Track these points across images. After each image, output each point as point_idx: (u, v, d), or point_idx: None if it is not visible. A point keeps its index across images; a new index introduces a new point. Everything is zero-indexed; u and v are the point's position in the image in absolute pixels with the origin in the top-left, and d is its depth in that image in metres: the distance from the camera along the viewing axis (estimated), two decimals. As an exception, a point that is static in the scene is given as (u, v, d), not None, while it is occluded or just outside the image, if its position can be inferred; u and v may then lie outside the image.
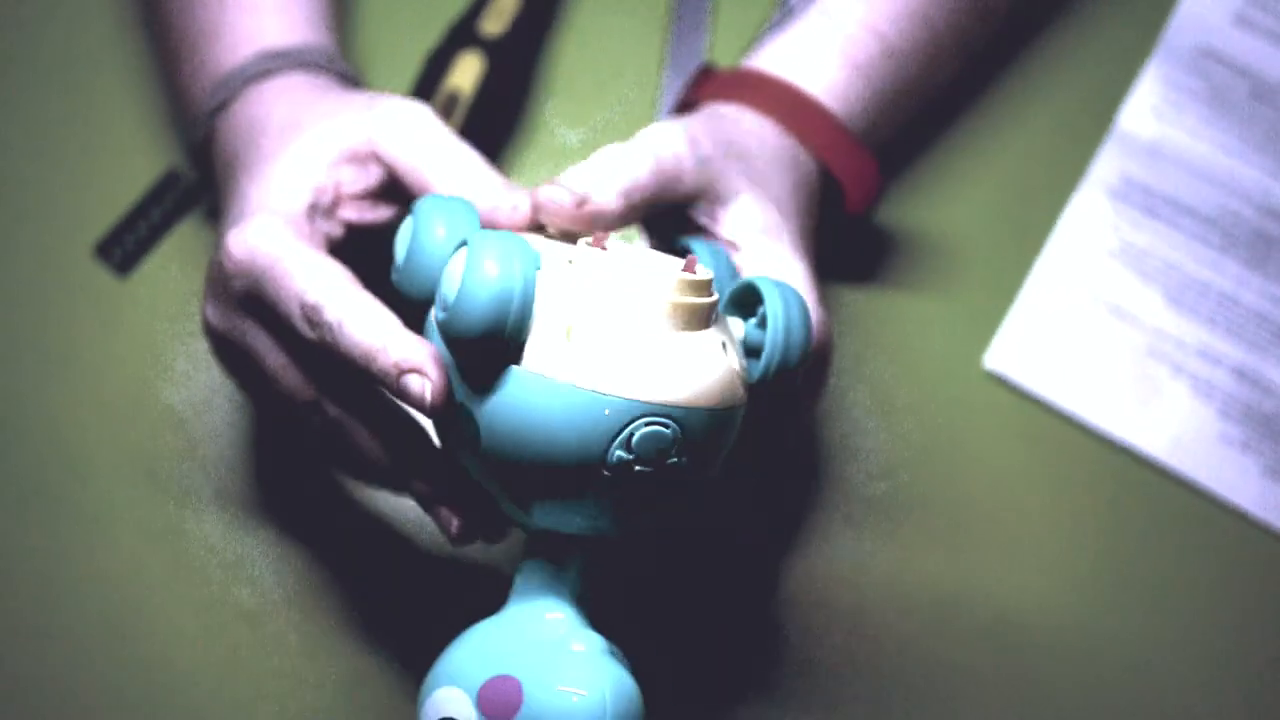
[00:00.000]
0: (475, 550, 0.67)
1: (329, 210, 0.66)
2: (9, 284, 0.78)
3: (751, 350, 0.61)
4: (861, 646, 0.74)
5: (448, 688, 0.58)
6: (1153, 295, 0.81)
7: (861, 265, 0.80)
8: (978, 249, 0.81)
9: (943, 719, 0.74)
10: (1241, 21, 0.84)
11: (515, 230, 0.63)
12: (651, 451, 0.57)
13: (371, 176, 0.66)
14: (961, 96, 0.83)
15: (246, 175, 0.67)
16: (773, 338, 0.60)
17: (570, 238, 0.63)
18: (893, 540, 0.76)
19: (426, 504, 0.64)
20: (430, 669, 0.60)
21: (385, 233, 0.67)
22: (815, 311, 0.66)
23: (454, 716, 0.58)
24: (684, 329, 0.58)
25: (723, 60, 0.82)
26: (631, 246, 0.61)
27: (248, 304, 0.64)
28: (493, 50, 0.79)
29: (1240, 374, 0.80)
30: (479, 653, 0.59)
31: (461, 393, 0.58)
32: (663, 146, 0.65)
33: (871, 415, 0.78)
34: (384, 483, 0.66)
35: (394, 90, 0.77)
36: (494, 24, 0.80)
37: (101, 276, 0.78)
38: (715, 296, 0.59)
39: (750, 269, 0.66)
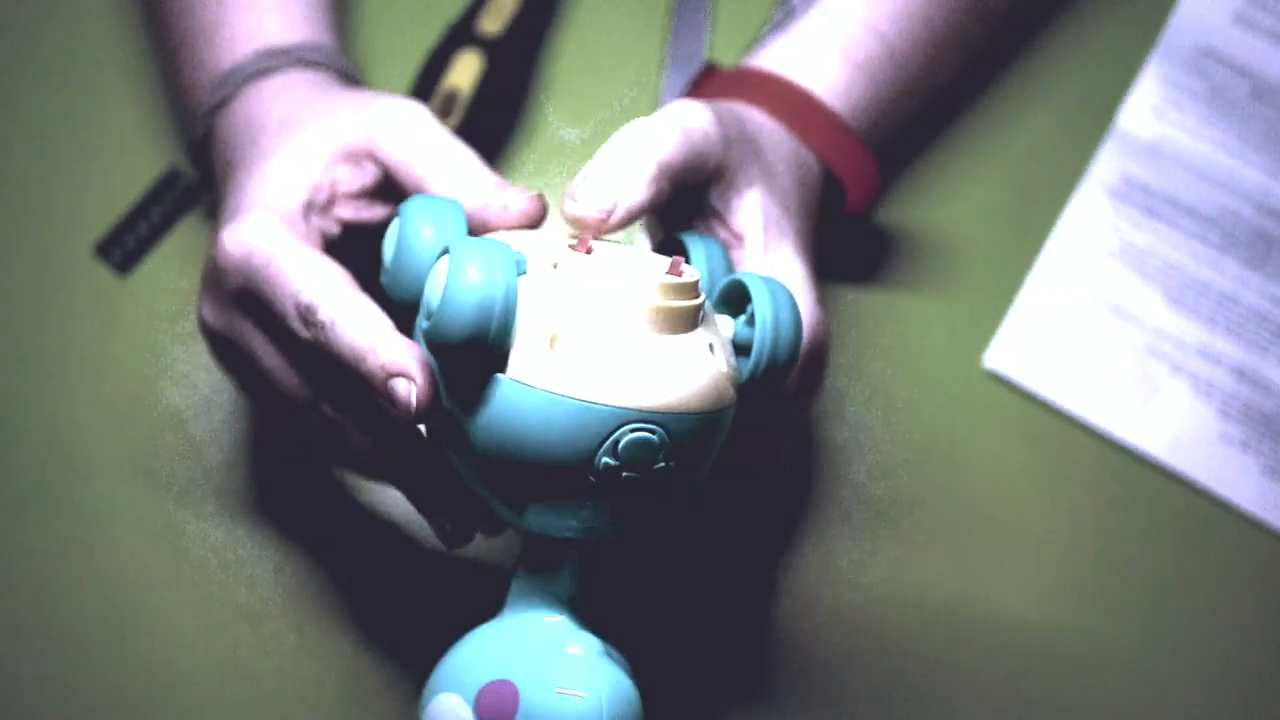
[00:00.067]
0: (474, 549, 0.67)
1: (325, 208, 0.66)
2: (9, 284, 0.78)
3: (742, 348, 0.61)
4: (861, 646, 0.74)
5: (446, 694, 0.59)
6: (1153, 295, 0.81)
7: (861, 265, 0.80)
8: (978, 249, 0.81)
9: (942, 718, 0.74)
10: (1241, 21, 0.84)
11: (507, 229, 0.63)
12: (639, 457, 0.57)
13: (367, 175, 0.66)
14: (961, 96, 0.83)
15: (245, 172, 0.67)
16: (761, 336, 0.60)
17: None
18: (893, 540, 0.76)
19: (420, 504, 0.64)
20: (430, 675, 0.60)
21: (381, 231, 0.67)
22: (814, 311, 0.66)
23: None
24: (669, 332, 0.57)
25: (723, 60, 0.82)
26: (617, 247, 0.60)
27: (243, 302, 0.64)
28: (492, 49, 0.79)
29: (1240, 373, 0.80)
30: (476, 658, 0.59)
31: (449, 400, 0.58)
32: (690, 121, 0.64)
33: (871, 415, 0.78)
34: (379, 479, 0.66)
35: (393, 89, 0.77)
36: (493, 23, 0.80)
37: (101, 276, 0.78)
38: (701, 298, 0.59)
39: (752, 265, 0.66)
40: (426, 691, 0.60)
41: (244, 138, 0.69)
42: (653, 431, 0.57)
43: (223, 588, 0.73)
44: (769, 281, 0.60)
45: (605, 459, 0.56)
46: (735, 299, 0.62)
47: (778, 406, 0.67)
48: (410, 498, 0.65)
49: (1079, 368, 0.79)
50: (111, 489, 0.74)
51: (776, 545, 0.75)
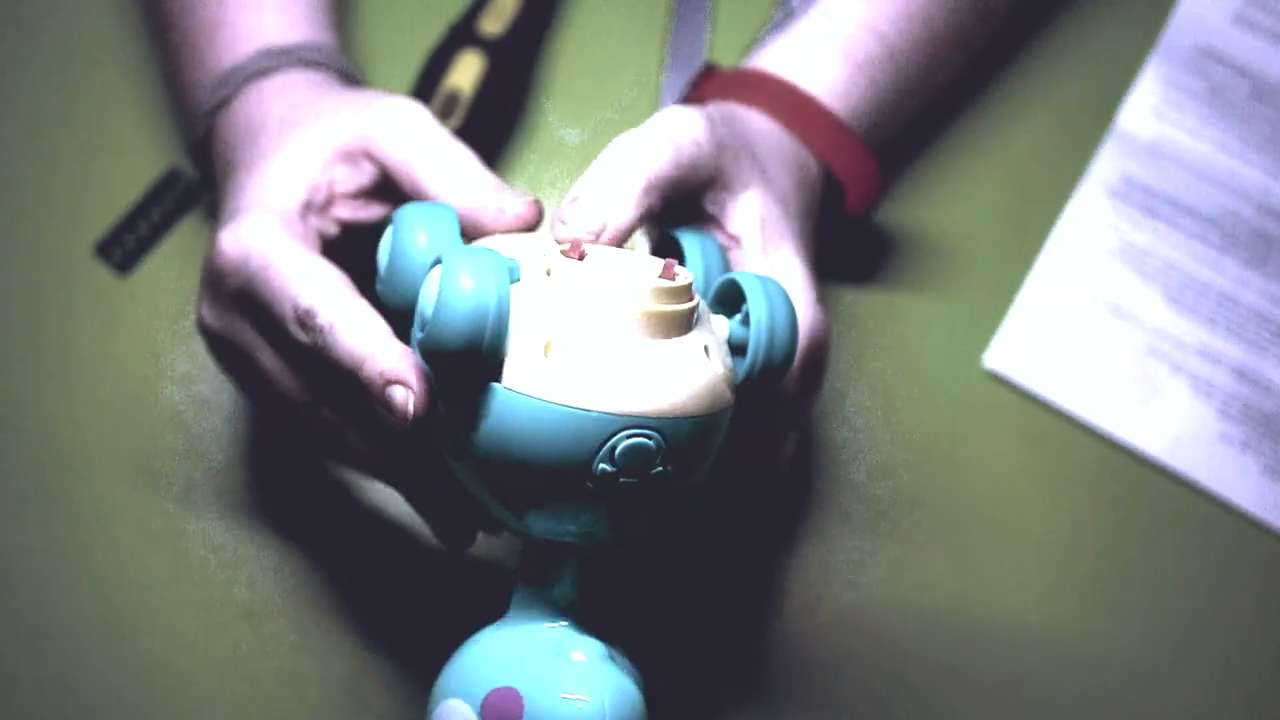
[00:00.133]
0: (475, 548, 0.67)
1: (322, 209, 0.66)
2: (9, 284, 0.78)
3: (738, 348, 0.61)
4: (861, 646, 0.74)
5: (453, 700, 0.59)
6: (1152, 295, 0.81)
7: (861, 265, 0.80)
8: (978, 249, 0.81)
9: (942, 718, 0.74)
10: (1241, 21, 0.84)
11: (502, 232, 0.63)
12: (636, 463, 0.57)
13: (364, 174, 0.66)
14: (961, 96, 0.83)
15: (245, 172, 0.67)
16: (756, 335, 0.59)
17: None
18: (892, 540, 0.76)
19: (419, 506, 0.64)
20: (437, 679, 0.60)
21: (380, 231, 0.67)
22: (814, 311, 0.66)
23: None
24: (663, 337, 0.57)
25: (723, 60, 0.82)
26: (610, 251, 0.60)
27: (241, 303, 0.64)
28: (493, 50, 0.79)
29: (1240, 373, 0.80)
30: (481, 664, 0.59)
31: (445, 408, 0.58)
32: (681, 132, 0.64)
33: (871, 415, 0.78)
34: (379, 478, 0.66)
35: (394, 89, 0.77)
36: (494, 23, 0.80)
37: (101, 276, 0.78)
38: (695, 301, 0.58)
39: (751, 266, 0.66)
40: (433, 696, 0.60)
41: (244, 137, 0.69)
42: (649, 437, 0.57)
43: (223, 588, 0.73)
44: (764, 280, 0.60)
45: (603, 465, 0.57)
46: (730, 299, 0.61)
47: (775, 406, 0.67)
48: (409, 499, 0.65)
49: (1079, 368, 0.79)
50: (111, 489, 0.74)
51: (776, 545, 0.75)
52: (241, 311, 0.64)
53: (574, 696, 0.57)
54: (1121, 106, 0.83)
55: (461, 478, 0.60)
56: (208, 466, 0.75)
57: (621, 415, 0.56)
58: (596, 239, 0.61)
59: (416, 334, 0.58)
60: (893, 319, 0.79)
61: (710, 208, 0.66)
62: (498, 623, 0.61)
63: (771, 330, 0.60)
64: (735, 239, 0.66)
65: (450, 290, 0.55)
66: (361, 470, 0.69)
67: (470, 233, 0.64)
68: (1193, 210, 0.82)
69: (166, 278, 0.78)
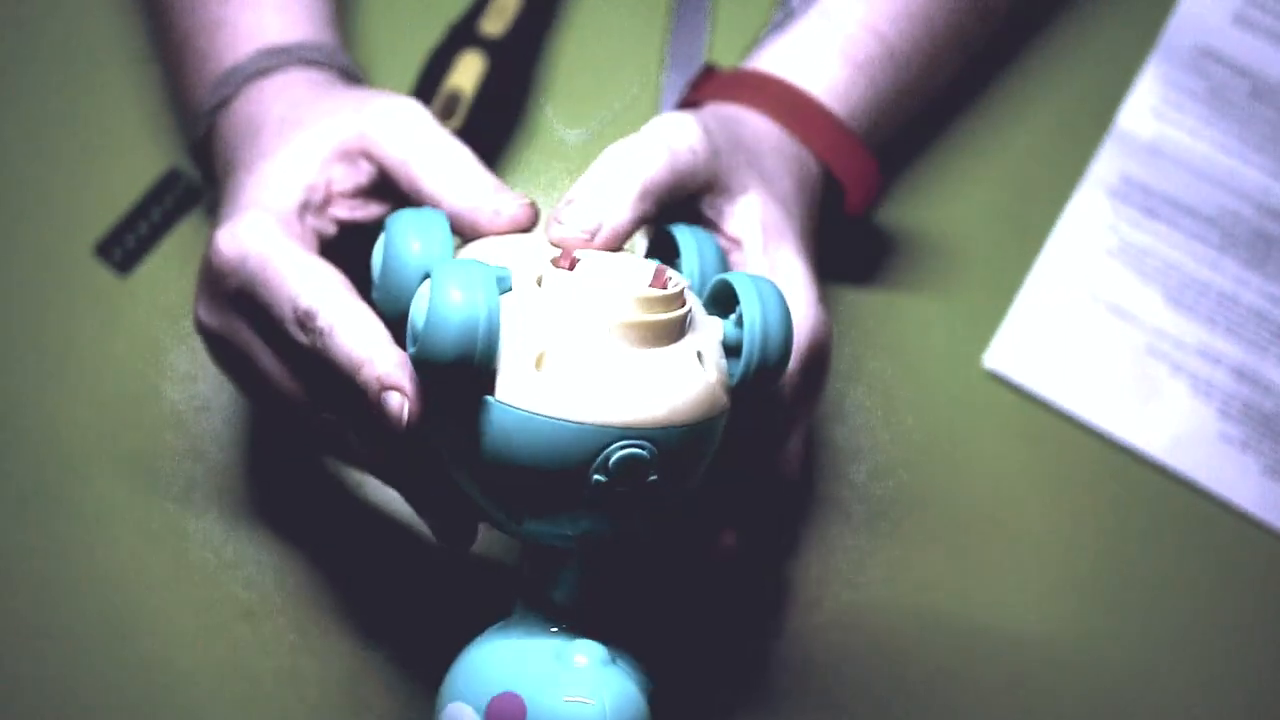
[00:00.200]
0: (475, 547, 0.67)
1: (320, 208, 0.65)
2: (9, 284, 0.78)
3: (732, 349, 0.60)
4: (861, 646, 0.74)
5: (458, 703, 0.59)
6: (1152, 295, 0.81)
7: (861, 265, 0.80)
8: (978, 249, 0.81)
9: (942, 718, 0.74)
10: (1241, 21, 0.84)
11: (498, 234, 0.63)
12: (630, 473, 0.57)
13: (362, 174, 0.66)
14: (961, 96, 0.83)
15: (245, 171, 0.67)
16: (750, 337, 0.59)
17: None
18: (892, 540, 0.76)
19: (419, 506, 0.64)
20: (443, 682, 0.61)
21: (377, 231, 0.67)
22: (815, 312, 0.66)
23: None
24: (654, 345, 0.57)
25: (723, 60, 0.82)
26: (601, 257, 0.60)
27: (239, 303, 0.64)
28: (493, 50, 0.79)
29: (1240, 373, 0.80)
30: (485, 669, 0.60)
31: (440, 418, 0.58)
32: (676, 139, 0.64)
33: (871, 415, 0.78)
34: (379, 478, 0.66)
35: (395, 89, 0.77)
36: (495, 24, 0.80)
37: (101, 276, 0.78)
38: (686, 308, 0.58)
39: (752, 268, 0.66)
40: (439, 700, 0.60)
41: (245, 136, 0.69)
42: (642, 447, 0.57)
43: (223, 588, 0.73)
44: (756, 280, 0.60)
45: (597, 476, 0.57)
46: (725, 299, 0.61)
47: (774, 407, 0.66)
48: (409, 499, 0.65)
49: (1079, 368, 0.79)
50: (111, 489, 0.74)
51: (777, 544, 0.75)
52: (239, 311, 0.64)
53: (576, 699, 0.57)
54: (1121, 106, 0.83)
55: (459, 482, 0.60)
56: (208, 466, 0.75)
57: (614, 427, 0.56)
58: (592, 239, 0.61)
59: (409, 347, 0.58)
60: (893, 319, 0.79)
61: (708, 212, 0.66)
62: (501, 624, 0.62)
63: (765, 331, 0.59)
64: (736, 241, 0.66)
65: (440, 304, 0.55)
66: (361, 469, 0.69)
67: (466, 233, 0.64)
68: (1192, 210, 0.82)
69: (166, 278, 0.78)
